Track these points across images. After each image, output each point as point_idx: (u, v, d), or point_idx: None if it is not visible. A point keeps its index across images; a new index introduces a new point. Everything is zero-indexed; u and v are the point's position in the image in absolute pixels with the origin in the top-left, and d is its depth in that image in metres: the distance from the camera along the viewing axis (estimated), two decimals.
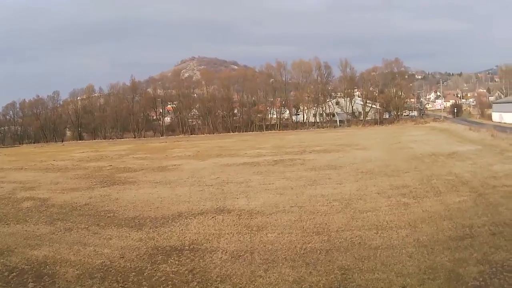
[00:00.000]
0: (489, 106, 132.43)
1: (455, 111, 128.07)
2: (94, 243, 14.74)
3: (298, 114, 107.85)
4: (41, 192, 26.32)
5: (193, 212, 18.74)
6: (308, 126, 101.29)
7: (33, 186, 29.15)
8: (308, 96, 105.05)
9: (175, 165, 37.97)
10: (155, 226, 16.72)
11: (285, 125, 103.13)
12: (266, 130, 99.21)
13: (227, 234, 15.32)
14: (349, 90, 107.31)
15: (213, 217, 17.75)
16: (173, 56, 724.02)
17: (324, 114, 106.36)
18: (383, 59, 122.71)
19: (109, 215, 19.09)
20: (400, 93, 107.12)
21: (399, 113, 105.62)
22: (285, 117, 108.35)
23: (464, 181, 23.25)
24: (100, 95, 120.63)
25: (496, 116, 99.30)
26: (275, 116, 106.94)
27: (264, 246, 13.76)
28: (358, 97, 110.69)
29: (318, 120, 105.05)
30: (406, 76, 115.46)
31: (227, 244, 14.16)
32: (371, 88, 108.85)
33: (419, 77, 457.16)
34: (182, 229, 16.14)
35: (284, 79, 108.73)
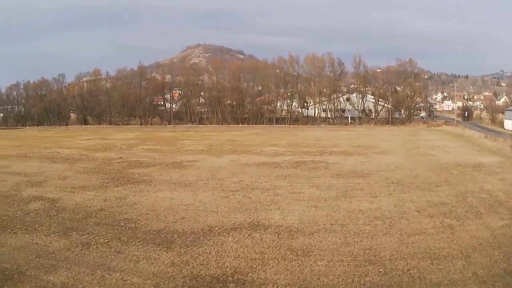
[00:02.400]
0: (498, 111, 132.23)
1: (466, 114, 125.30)
2: (120, 267, 12.65)
3: (308, 108, 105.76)
4: (49, 189, 24.29)
5: (225, 227, 17.03)
6: (319, 122, 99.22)
7: (40, 180, 27.16)
8: (320, 92, 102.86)
9: (190, 161, 36.13)
10: (186, 245, 14.78)
11: (295, 119, 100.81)
12: (276, 124, 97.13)
13: (272, 260, 13.66)
14: (362, 87, 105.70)
15: (249, 235, 16.10)
16: (179, 42, 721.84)
17: (334, 109, 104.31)
18: (397, 58, 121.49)
19: (130, 225, 17.09)
20: (413, 94, 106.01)
21: (410, 113, 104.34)
22: (296, 111, 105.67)
23: (500, 201, 22.67)
24: (106, 79, 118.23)
25: (509, 124, 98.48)
26: (285, 108, 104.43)
27: (318, 279, 12.23)
28: (370, 95, 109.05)
29: (328, 116, 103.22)
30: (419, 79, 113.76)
31: (275, 274, 12.46)
32: (383, 87, 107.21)
33: (425, 77, 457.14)
34: (218, 250, 14.25)
35: (296, 73, 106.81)
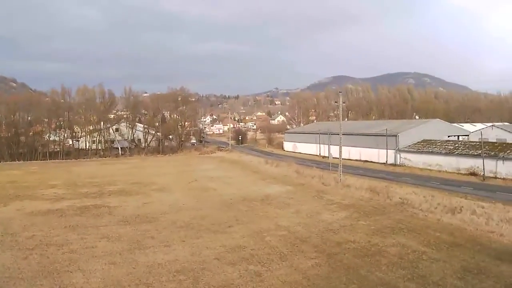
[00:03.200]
0: (274, 130, 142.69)
1: (240, 138, 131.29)
2: None
3: (79, 140, 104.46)
4: None
5: None
6: (91, 154, 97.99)
7: None
8: (89, 120, 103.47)
9: None
10: None
11: (67, 153, 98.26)
12: (50, 159, 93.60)
13: None
14: (131, 116, 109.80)
15: None
16: None
17: (104, 141, 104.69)
18: (168, 87, 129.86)
19: None
20: (183, 122, 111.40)
21: (181, 141, 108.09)
22: (67, 144, 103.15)
23: (302, 238, 23.51)
24: None
25: (289, 146, 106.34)
26: (57, 139, 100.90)
27: None
28: (139, 123, 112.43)
29: (99, 147, 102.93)
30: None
31: None
32: (151, 115, 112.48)
33: (193, 99, 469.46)
34: None
35: (68, 103, 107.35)
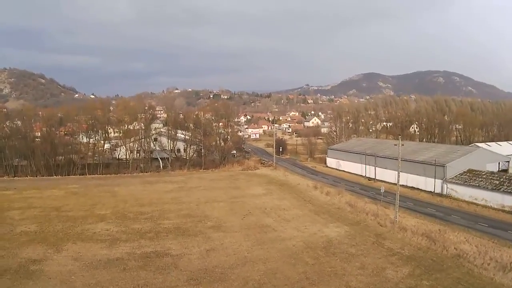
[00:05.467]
0: (309, 135, 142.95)
1: (280, 149, 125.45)
2: None
3: (116, 150, 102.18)
4: None
5: None
6: (131, 169, 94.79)
7: None
8: (122, 121, 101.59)
9: (39, 260, 34.53)
10: None
11: (106, 165, 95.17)
12: (89, 173, 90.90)
13: None
14: (172, 129, 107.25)
15: None
16: None
17: (142, 151, 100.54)
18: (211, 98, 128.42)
19: None
20: (228, 136, 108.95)
21: (224, 155, 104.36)
22: (104, 150, 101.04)
23: None
24: None
25: (332, 162, 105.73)
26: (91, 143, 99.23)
27: None
28: (182, 134, 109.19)
29: (138, 157, 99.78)
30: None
31: None
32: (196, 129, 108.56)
33: (225, 97, 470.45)
34: None
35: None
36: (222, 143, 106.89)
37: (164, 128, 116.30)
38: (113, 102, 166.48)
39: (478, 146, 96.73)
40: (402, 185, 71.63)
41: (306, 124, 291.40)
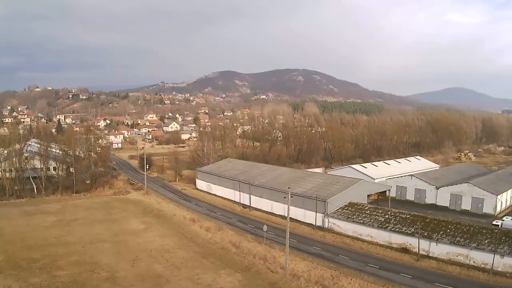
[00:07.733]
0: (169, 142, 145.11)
1: (147, 166, 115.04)
2: None
3: None
4: None
5: None
6: (8, 195, 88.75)
7: None
8: None
9: None
10: None
11: None
12: None
13: None
14: (44, 148, 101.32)
15: None
16: None
17: (15, 170, 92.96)
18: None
19: None
20: (98, 160, 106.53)
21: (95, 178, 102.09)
22: None
23: None
24: None
25: (202, 185, 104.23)
26: None
27: None
28: (54, 149, 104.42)
29: (11, 176, 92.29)
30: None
31: None
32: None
33: (84, 97, 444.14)
34: None
35: None
36: (93, 166, 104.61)
37: (35, 142, 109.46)
38: None
39: (353, 168, 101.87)
40: (280, 215, 75.07)
41: (166, 129, 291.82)
